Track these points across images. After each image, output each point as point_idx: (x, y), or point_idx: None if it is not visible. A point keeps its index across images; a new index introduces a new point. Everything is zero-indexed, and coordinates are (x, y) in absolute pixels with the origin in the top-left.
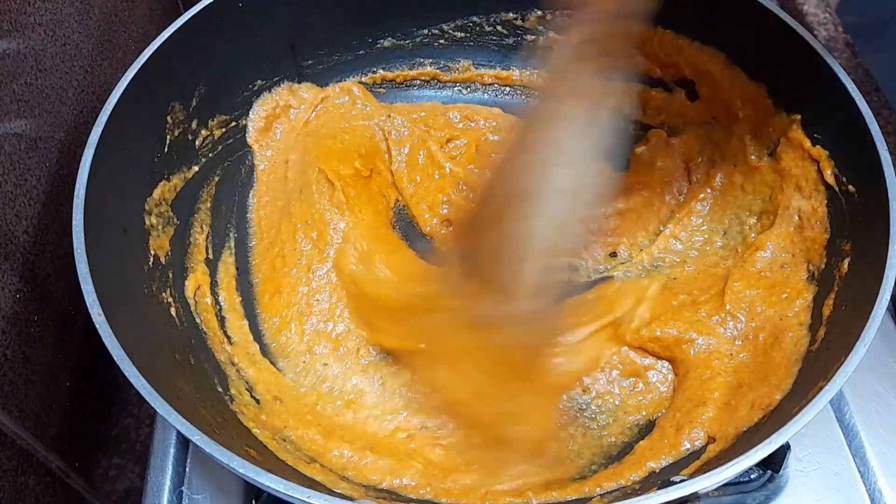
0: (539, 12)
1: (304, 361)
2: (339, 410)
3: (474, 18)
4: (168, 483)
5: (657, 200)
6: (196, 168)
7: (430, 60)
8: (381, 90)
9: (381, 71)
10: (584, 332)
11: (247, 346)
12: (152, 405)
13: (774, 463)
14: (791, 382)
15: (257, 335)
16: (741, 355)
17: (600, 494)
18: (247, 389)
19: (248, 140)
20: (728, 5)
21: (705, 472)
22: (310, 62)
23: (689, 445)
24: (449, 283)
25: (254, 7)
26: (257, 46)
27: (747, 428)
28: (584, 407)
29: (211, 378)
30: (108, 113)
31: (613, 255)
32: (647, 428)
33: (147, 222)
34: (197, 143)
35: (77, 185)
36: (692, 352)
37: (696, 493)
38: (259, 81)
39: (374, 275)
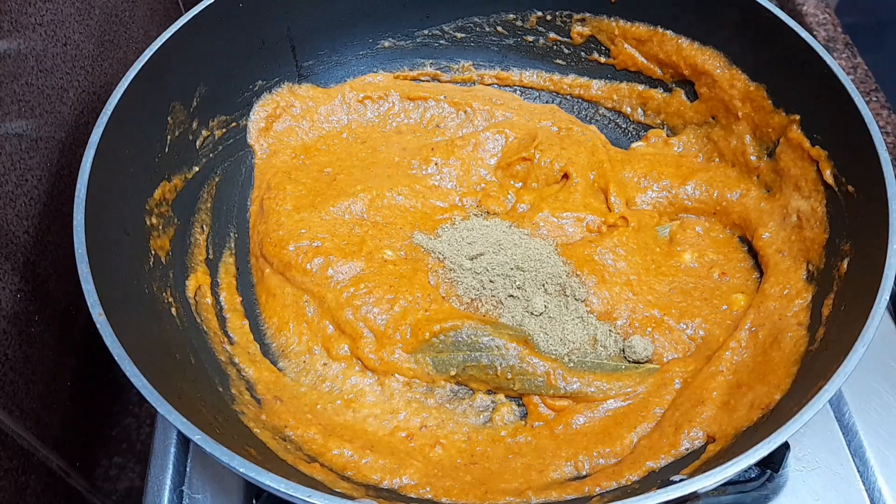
0: (539, 13)
1: (304, 361)
2: (338, 410)
3: (475, 19)
4: (169, 482)
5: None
6: (197, 168)
7: (431, 61)
8: None
9: (381, 71)
10: None
11: (247, 346)
12: (153, 405)
13: (774, 462)
14: (790, 382)
15: (258, 335)
16: (742, 353)
17: (600, 494)
18: (247, 389)
19: (249, 140)
20: (728, 5)
21: (705, 472)
22: (310, 62)
23: (688, 445)
24: None
25: (254, 7)
26: (257, 46)
27: (747, 427)
28: None
29: (211, 378)
30: (109, 113)
31: None
32: None
33: (148, 222)
34: (197, 143)
35: (78, 186)
36: None
37: (695, 492)
38: (259, 81)
39: None
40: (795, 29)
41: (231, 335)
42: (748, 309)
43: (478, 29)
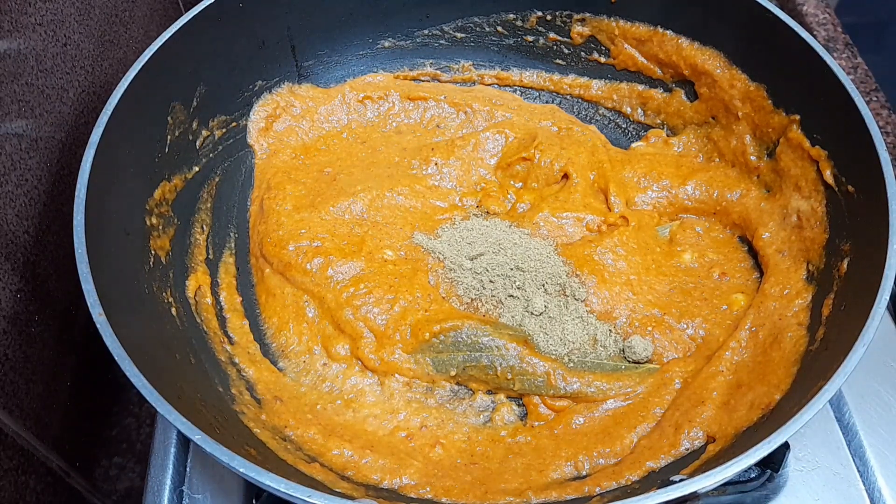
0: (539, 13)
1: (304, 361)
2: (338, 410)
3: (475, 19)
4: (169, 482)
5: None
6: (197, 168)
7: (431, 61)
8: None
9: (381, 71)
10: None
11: (247, 346)
12: (153, 405)
13: (774, 462)
14: (790, 382)
15: (258, 335)
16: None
17: (600, 494)
18: (247, 389)
19: (249, 140)
20: (728, 5)
21: (705, 472)
22: (310, 62)
23: (688, 445)
24: None
25: (254, 7)
26: (257, 46)
27: (747, 427)
28: None
29: (211, 378)
30: (109, 113)
31: None
32: None
33: (148, 222)
34: (197, 143)
35: (78, 186)
36: None
37: (695, 492)
38: (259, 81)
39: None
40: (795, 29)
41: (231, 335)
42: (748, 309)
43: (478, 29)
